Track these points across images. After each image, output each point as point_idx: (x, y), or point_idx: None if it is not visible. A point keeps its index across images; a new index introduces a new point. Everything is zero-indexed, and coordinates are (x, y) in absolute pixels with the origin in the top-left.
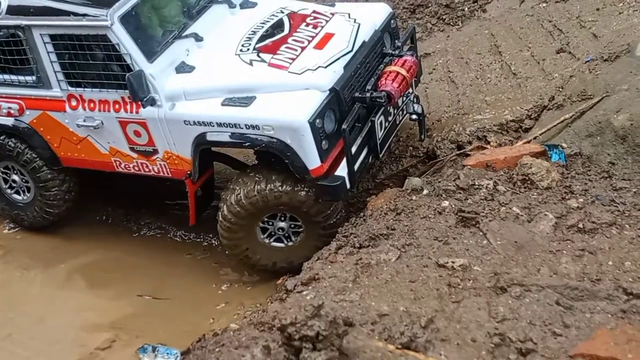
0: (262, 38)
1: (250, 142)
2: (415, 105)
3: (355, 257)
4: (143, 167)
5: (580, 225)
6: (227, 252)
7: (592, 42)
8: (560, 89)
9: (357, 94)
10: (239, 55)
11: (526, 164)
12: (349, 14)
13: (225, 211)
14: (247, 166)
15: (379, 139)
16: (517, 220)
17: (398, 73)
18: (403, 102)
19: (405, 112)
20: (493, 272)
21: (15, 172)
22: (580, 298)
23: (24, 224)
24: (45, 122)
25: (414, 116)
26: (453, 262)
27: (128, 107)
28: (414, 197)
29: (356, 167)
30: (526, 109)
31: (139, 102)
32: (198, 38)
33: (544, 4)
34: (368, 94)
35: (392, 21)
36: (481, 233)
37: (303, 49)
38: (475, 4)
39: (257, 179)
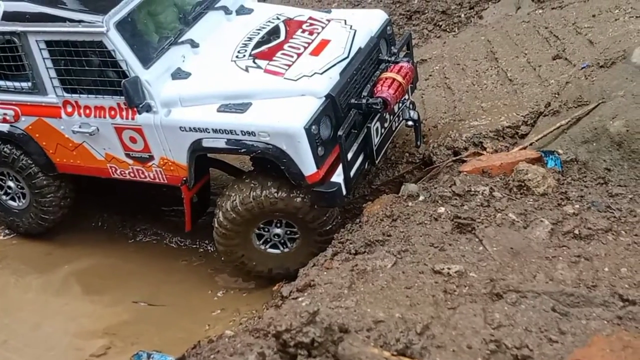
0: (258, 44)
1: (246, 149)
2: (411, 112)
3: (351, 264)
4: (139, 173)
5: (576, 232)
6: (223, 258)
7: (588, 49)
8: (557, 95)
9: (353, 100)
10: (235, 61)
11: (522, 170)
12: (345, 21)
13: (221, 217)
14: (243, 172)
15: (375, 145)
16: (513, 227)
17: (394, 79)
18: (399, 108)
19: (401, 118)
20: (489, 279)
21: (10, 178)
22: (576, 304)
23: (20, 231)
24: (41, 128)
25: (410, 122)
26: (449, 269)
27: (124, 113)
28: (410, 203)
29: (352, 173)
30: (522, 115)
31: (135, 109)
32: (194, 44)
33: (540, 11)
34: (364, 101)
35: (388, 27)
36: (477, 239)
37: (299, 55)
38: (472, 10)
39: (252, 185)
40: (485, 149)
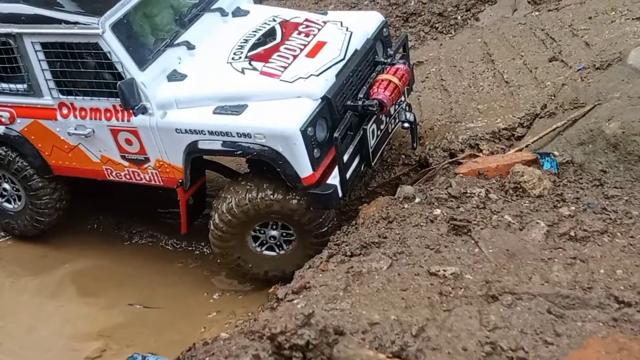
0: (254, 46)
1: (242, 151)
2: (408, 114)
3: (347, 266)
4: (134, 175)
5: (572, 234)
6: (218, 260)
7: (585, 51)
8: (553, 97)
9: (349, 102)
10: (230, 63)
11: (518, 172)
12: (341, 22)
13: (216, 220)
14: (239, 174)
15: (371, 147)
16: (509, 229)
17: (390, 81)
18: (395, 110)
19: (397, 120)
20: (484, 281)
21: (6, 180)
22: (572, 306)
23: (15, 233)
24: (37, 130)
25: (406, 124)
26: (444, 271)
27: (119, 115)
28: (405, 205)
29: (348, 175)
30: (518, 117)
31: (131, 111)
32: (190, 46)
33: (537, 13)
34: (360, 102)
35: (384, 29)
36: (473, 241)
37: (295, 57)
38: (468, 12)
39: (248, 187)
40: (481, 150)
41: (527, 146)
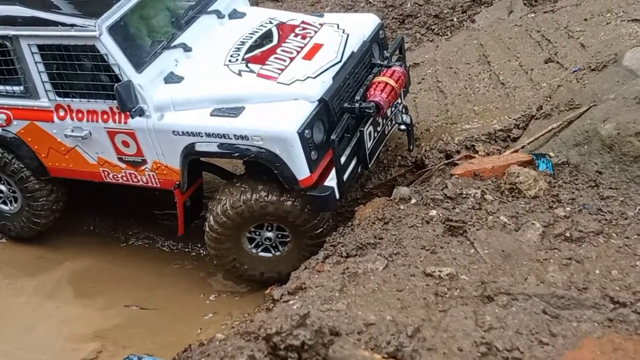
0: (251, 48)
1: (239, 153)
2: (404, 116)
3: (343, 267)
4: (131, 177)
5: (568, 234)
6: (215, 262)
7: (580, 52)
8: (548, 99)
9: (346, 105)
10: (227, 65)
11: (514, 173)
12: (337, 25)
13: (211, 221)
14: (235, 176)
15: (368, 149)
16: (505, 229)
17: (387, 84)
18: (392, 112)
19: (394, 122)
20: (480, 281)
21: (2, 182)
22: (567, 307)
23: (11, 234)
24: (33, 132)
25: (402, 126)
26: (440, 271)
27: (116, 117)
28: (401, 206)
29: (345, 177)
30: (514, 119)
31: (128, 113)
32: (187, 48)
33: (532, 15)
34: (357, 105)
35: (380, 32)
36: (468, 242)
37: (292, 59)
38: (464, 14)
39: (243, 189)
40: (477, 152)
41: (522, 147)
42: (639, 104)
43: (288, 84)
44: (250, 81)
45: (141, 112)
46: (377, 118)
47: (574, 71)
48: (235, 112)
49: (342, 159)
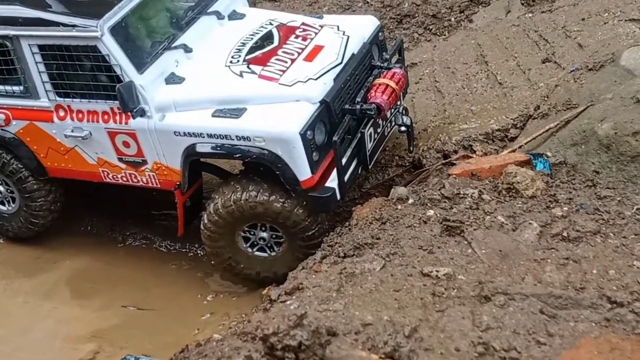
0: (252, 50)
1: (241, 154)
2: (404, 117)
3: (340, 267)
4: (131, 177)
5: (565, 234)
6: (212, 260)
7: (578, 52)
8: (546, 98)
9: (347, 106)
10: (229, 66)
11: (511, 172)
12: (337, 26)
13: (205, 220)
14: (230, 176)
15: (369, 151)
16: (502, 229)
17: (387, 85)
18: (391, 113)
19: (393, 123)
20: (477, 281)
21: (0, 182)
22: (565, 307)
23: (9, 235)
24: (32, 132)
25: (402, 128)
26: (437, 271)
27: (117, 117)
28: (399, 206)
29: (346, 178)
30: (512, 118)
31: (129, 113)
32: (187, 49)
33: (530, 14)
34: (358, 106)
35: (380, 33)
36: (466, 242)
37: (293, 61)
38: (462, 14)
39: (235, 188)
40: (474, 152)
41: (520, 147)
42: (636, 103)
43: (290, 86)
44: (251, 82)
45: (142, 113)
46: (378, 120)
47: (572, 71)
48: (237, 113)
49: (343, 160)
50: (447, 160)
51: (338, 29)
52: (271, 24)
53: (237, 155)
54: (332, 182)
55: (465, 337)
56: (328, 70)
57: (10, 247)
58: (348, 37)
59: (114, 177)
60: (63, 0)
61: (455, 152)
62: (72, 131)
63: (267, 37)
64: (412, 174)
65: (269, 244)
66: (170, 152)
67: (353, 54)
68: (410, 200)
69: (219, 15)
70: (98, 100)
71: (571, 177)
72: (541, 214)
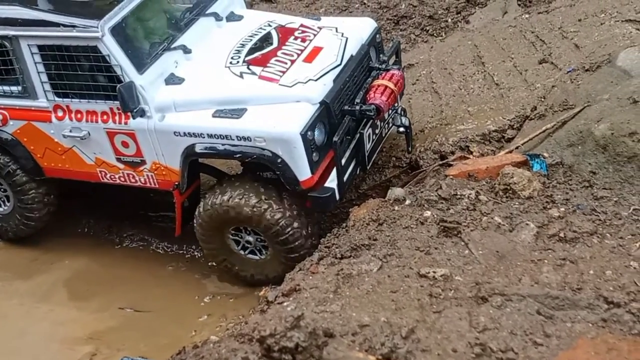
0: (252, 51)
1: (241, 154)
2: (403, 118)
3: (337, 268)
4: (129, 177)
5: (562, 235)
6: (209, 261)
7: (574, 53)
8: (542, 99)
9: (346, 107)
10: (229, 67)
11: (508, 173)
12: (336, 28)
13: (195, 222)
14: (224, 177)
15: (367, 152)
16: (499, 230)
17: (386, 87)
18: (389, 115)
19: (391, 124)
20: (474, 282)
21: None
22: (561, 307)
23: (9, 235)
24: (30, 132)
25: (401, 129)
26: (434, 272)
27: (117, 118)
28: (396, 208)
29: (345, 178)
30: (508, 119)
31: (129, 113)
32: (186, 50)
33: (527, 15)
34: (357, 107)
35: (377, 36)
36: (463, 243)
37: (293, 62)
38: (459, 15)
39: (215, 192)
40: (471, 152)
41: (517, 148)
42: (632, 104)
43: (290, 86)
44: (252, 83)
45: (142, 113)
46: (376, 121)
47: (568, 72)
48: (237, 113)
49: (342, 161)
50: (444, 161)
51: (336, 31)
52: (270, 25)
53: (237, 156)
54: (332, 182)
55: (462, 338)
56: (328, 72)
57: (7, 248)
58: (347, 38)
59: (112, 177)
60: (62, 0)
61: (452, 153)
62: (71, 131)
63: (266, 39)
64: (409, 175)
65: (257, 247)
66: (169, 152)
67: (352, 56)
68: (407, 202)
69: (217, 17)
70: (97, 101)
71: (568, 177)
72: (538, 215)
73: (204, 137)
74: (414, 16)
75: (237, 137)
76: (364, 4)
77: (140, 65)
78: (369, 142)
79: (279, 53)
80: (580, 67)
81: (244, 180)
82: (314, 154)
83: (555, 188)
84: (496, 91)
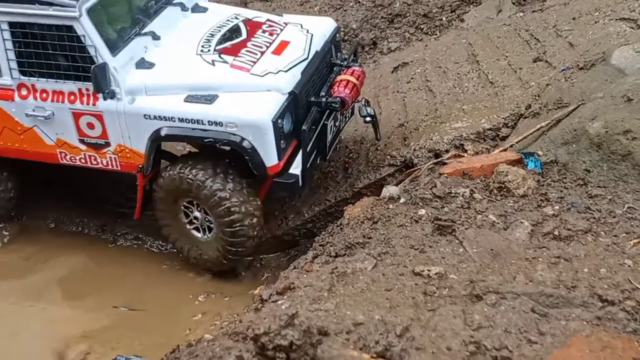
0: (222, 41)
1: (212, 138)
2: (368, 109)
3: (331, 266)
4: (91, 159)
5: (556, 233)
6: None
7: (568, 51)
8: (537, 97)
9: (313, 99)
10: (200, 55)
11: (502, 171)
12: (300, 25)
13: (153, 197)
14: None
15: (329, 142)
16: (493, 228)
17: (349, 81)
18: (351, 108)
19: (348, 118)
20: (469, 280)
21: None
22: (556, 305)
23: None
24: None
25: (367, 118)
26: (429, 271)
27: (84, 99)
28: (390, 206)
29: (307, 166)
30: (503, 117)
31: (99, 94)
32: (155, 37)
33: (521, 14)
34: (324, 99)
35: (337, 35)
36: (457, 241)
37: (262, 53)
38: (453, 13)
39: (172, 165)
40: (466, 151)
41: (511, 146)
42: (627, 102)
43: (261, 76)
44: (224, 71)
45: (112, 95)
46: (337, 113)
47: (563, 70)
48: (209, 99)
49: (307, 149)
50: (438, 160)
51: (302, 27)
52: (237, 18)
53: (207, 140)
54: (296, 169)
55: (457, 336)
56: (296, 64)
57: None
58: (312, 34)
59: (72, 158)
60: None
61: (447, 151)
62: (34, 110)
63: (235, 30)
64: (403, 173)
65: (202, 226)
66: (136, 135)
67: (317, 51)
68: (402, 200)
69: (183, 7)
70: (66, 81)
71: (562, 176)
72: (532, 213)
73: (174, 121)
74: (408, 14)
75: (208, 121)
76: (359, 2)
77: (114, 48)
78: (330, 133)
79: (248, 44)
80: (575, 65)
81: (197, 157)
82: (282, 142)
83: (550, 186)
84: (491, 89)
